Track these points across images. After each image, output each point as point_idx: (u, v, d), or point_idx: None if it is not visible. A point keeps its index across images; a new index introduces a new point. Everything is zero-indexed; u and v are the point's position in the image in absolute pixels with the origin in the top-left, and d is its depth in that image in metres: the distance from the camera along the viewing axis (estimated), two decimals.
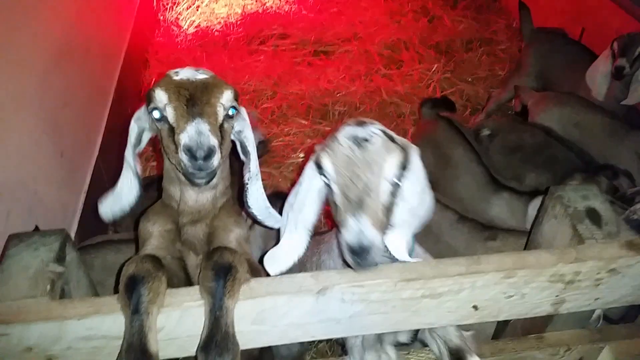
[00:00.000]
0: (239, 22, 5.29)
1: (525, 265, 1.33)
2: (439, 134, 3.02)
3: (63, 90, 2.91)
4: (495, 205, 2.60)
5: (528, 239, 1.72)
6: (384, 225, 1.31)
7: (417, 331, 1.61)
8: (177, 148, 1.33)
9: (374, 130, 1.34)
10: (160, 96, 1.39)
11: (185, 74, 1.43)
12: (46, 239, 1.39)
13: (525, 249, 1.78)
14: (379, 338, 1.52)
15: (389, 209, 1.32)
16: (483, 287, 1.35)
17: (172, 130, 1.38)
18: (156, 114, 1.40)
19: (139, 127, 1.56)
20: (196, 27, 5.27)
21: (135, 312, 1.21)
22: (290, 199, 1.53)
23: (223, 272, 1.26)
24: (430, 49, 4.88)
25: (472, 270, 1.32)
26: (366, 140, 1.31)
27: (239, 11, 5.46)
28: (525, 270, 1.32)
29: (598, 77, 3.20)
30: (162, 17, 5.39)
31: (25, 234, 1.40)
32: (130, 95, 4.24)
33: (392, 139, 1.36)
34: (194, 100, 1.36)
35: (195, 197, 1.53)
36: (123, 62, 4.07)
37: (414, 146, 1.42)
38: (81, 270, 1.50)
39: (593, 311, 1.69)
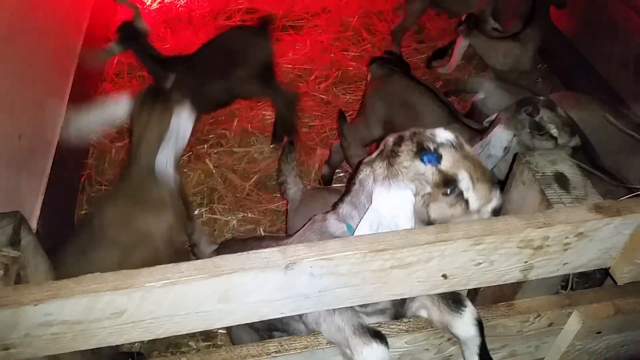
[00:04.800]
0: None
1: (493, 232, 1.32)
2: (395, 86, 3.08)
3: (18, 69, 2.78)
4: None
5: None
6: None
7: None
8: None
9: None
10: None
11: None
12: None
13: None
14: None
15: None
16: (452, 255, 1.33)
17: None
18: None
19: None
20: (159, 2, 5.10)
21: None
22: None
23: None
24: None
25: (441, 239, 1.30)
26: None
27: None
28: (494, 237, 1.31)
29: None
30: None
31: None
32: (93, 75, 4.10)
33: None
34: None
35: None
36: (84, 40, 3.92)
37: None
38: (39, 255, 1.44)
39: (561, 277, 1.71)
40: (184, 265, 1.23)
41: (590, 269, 1.52)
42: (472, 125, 2.72)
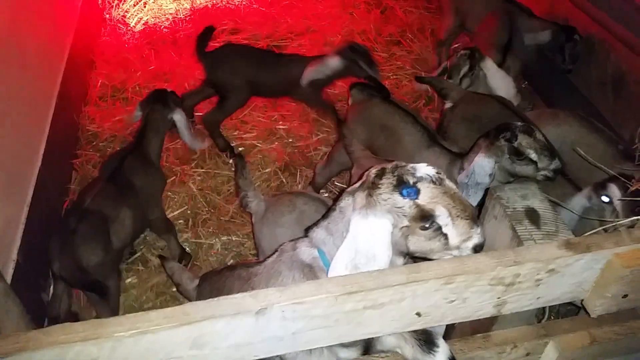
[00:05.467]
0: (188, 18, 5.17)
1: (464, 271, 1.32)
2: (375, 110, 3.11)
3: None
4: (424, 158, 2.63)
5: None
6: None
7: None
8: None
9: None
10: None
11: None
12: None
13: None
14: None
15: None
16: (424, 294, 1.34)
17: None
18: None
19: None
20: (144, 24, 5.12)
21: None
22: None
23: None
24: (384, 40, 4.88)
25: (412, 279, 1.31)
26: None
27: (188, 6, 5.33)
28: (465, 276, 1.32)
29: None
30: (107, 15, 5.21)
31: None
32: (76, 99, 4.09)
33: None
34: None
35: None
36: (66, 64, 3.92)
37: None
38: (10, 300, 1.42)
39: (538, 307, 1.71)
40: (153, 314, 1.22)
41: (564, 302, 1.53)
42: (452, 148, 2.74)
